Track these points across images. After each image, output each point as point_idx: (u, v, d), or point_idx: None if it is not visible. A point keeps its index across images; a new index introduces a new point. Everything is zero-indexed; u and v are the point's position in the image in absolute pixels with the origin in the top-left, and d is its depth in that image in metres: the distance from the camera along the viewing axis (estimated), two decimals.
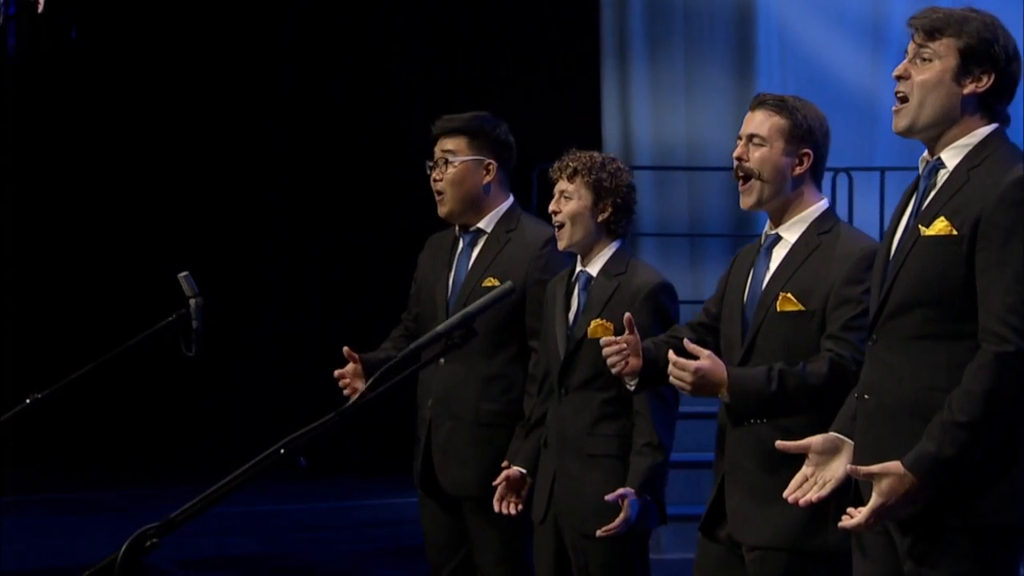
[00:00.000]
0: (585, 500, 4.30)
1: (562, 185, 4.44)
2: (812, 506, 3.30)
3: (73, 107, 11.89)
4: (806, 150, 3.84)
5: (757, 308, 3.81)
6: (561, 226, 4.42)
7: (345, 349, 4.66)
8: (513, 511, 4.45)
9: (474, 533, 4.65)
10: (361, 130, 11.78)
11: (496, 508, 4.44)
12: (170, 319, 4.17)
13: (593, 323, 4.35)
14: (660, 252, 9.51)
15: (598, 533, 4.23)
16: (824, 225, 3.84)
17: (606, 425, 4.34)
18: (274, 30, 11.88)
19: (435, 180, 4.74)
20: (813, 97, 3.96)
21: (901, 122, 3.21)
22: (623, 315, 3.92)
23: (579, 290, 4.42)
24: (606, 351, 3.84)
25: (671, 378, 3.68)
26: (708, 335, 3.97)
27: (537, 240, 4.65)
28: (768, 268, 3.85)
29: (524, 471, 4.48)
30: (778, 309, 3.77)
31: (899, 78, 3.21)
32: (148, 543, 2.56)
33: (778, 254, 3.85)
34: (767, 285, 3.82)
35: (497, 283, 4.52)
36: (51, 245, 11.77)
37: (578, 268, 4.46)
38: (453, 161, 4.69)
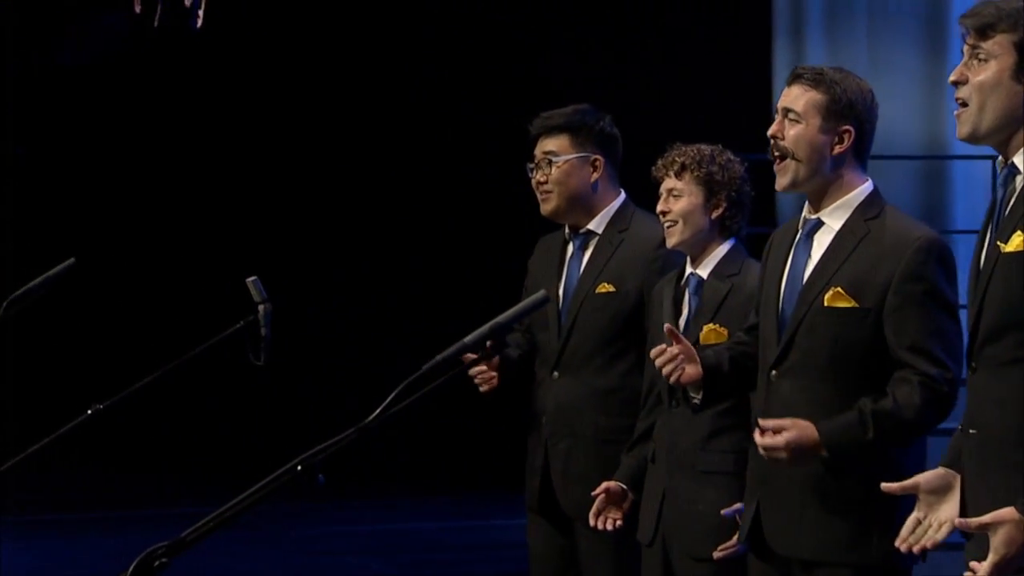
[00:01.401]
0: (697, 521, 4.16)
1: (669, 183, 4.31)
2: (856, 517, 3.36)
3: (138, 112, 11.95)
4: (847, 127, 3.66)
5: (798, 302, 3.65)
6: (672, 225, 4.30)
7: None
8: (611, 527, 4.34)
9: (587, 556, 4.54)
10: (469, 125, 11.49)
11: (592, 523, 4.35)
12: (238, 326, 4.10)
13: (706, 328, 4.22)
14: None
15: (715, 554, 4.08)
16: (871, 210, 3.65)
17: (721, 439, 4.19)
18: (360, 25, 11.75)
19: (539, 182, 4.63)
20: None
21: (964, 128, 3.04)
22: (738, 320, 3.86)
23: (690, 294, 4.29)
24: (658, 361, 3.74)
25: (765, 457, 3.55)
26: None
27: (652, 240, 4.52)
28: (810, 257, 3.67)
29: (624, 486, 4.37)
30: (826, 304, 3.60)
31: (956, 83, 3.05)
32: (157, 563, 2.54)
33: (821, 242, 3.67)
34: (810, 276, 3.65)
35: (612, 289, 4.51)
36: (118, 249, 11.82)
37: (688, 270, 4.33)
38: (556, 161, 4.60)
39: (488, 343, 2.82)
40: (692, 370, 3.74)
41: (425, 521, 9.83)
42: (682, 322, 4.27)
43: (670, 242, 4.31)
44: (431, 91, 11.56)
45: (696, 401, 3.83)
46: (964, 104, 3.03)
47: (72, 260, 4.14)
